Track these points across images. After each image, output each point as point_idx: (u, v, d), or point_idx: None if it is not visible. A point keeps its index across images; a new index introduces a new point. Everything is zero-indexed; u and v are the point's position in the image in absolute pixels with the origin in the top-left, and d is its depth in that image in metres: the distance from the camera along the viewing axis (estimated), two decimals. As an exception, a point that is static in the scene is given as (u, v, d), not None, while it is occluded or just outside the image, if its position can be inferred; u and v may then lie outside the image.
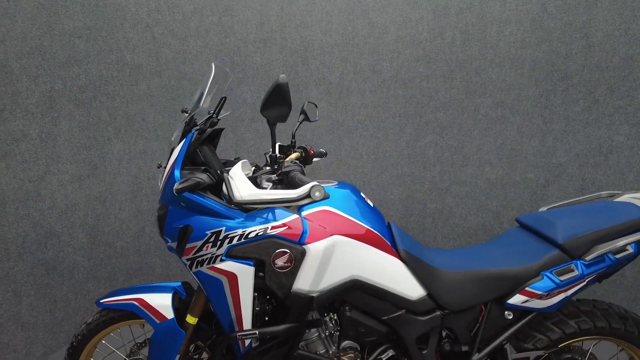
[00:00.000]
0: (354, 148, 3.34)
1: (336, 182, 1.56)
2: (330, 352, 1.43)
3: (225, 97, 1.56)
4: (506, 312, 1.40)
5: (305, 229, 1.30)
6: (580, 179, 2.66)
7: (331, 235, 1.31)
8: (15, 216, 2.33)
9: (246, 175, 1.29)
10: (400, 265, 1.39)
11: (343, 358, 1.40)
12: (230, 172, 1.18)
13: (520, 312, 1.41)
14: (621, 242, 1.31)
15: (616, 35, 2.43)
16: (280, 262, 1.27)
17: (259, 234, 1.28)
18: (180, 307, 1.51)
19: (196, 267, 1.31)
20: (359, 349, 1.43)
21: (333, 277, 1.32)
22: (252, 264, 1.28)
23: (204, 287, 1.33)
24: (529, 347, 1.42)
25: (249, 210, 1.34)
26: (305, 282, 1.29)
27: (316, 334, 1.42)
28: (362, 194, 1.53)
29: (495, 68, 2.93)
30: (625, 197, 1.56)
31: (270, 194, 1.06)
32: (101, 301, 1.55)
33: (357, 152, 3.35)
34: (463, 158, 3.13)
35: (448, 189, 3.24)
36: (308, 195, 1.05)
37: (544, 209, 1.67)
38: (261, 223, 1.29)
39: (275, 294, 1.30)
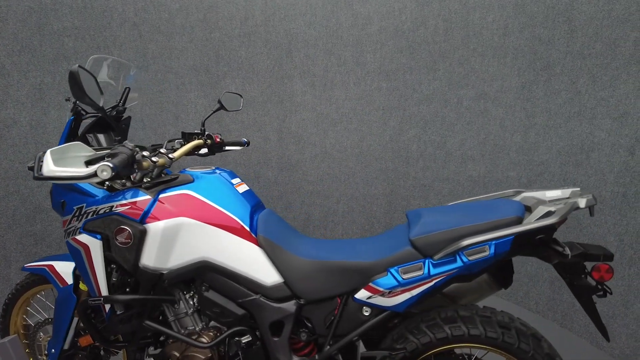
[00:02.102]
0: (339, 141, 3.32)
1: (212, 168, 1.60)
2: (197, 329, 1.48)
3: (129, 88, 1.65)
4: (364, 308, 1.35)
5: (149, 209, 1.36)
6: (561, 179, 2.44)
7: (177, 217, 1.36)
8: (5, 192, 2.62)
9: (84, 156, 1.34)
10: (256, 250, 1.40)
11: (202, 336, 1.45)
12: (47, 151, 1.24)
13: (378, 309, 1.34)
14: (465, 242, 1.20)
15: (599, 17, 2.19)
16: (121, 238, 1.35)
17: (106, 211, 1.37)
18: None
19: (66, 237, 1.45)
20: (225, 330, 1.46)
21: (181, 257, 1.37)
22: (99, 237, 1.38)
23: (72, 256, 1.45)
24: (385, 346, 1.36)
25: (113, 189, 1.43)
26: (150, 258, 1.36)
27: (184, 311, 1.48)
28: (235, 180, 1.56)
29: (478, 57, 2.77)
30: (521, 196, 1.43)
31: (64, 171, 1.11)
32: (25, 265, 1.76)
33: (342, 146, 3.33)
34: (446, 154, 2.99)
35: (431, 185, 3.11)
36: (95, 174, 1.09)
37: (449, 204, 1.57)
38: (111, 201, 1.38)
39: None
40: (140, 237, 1.35)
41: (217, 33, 3.19)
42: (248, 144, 2.00)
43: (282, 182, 3.46)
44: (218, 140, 1.86)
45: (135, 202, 1.38)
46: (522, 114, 2.62)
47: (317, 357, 1.38)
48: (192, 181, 1.47)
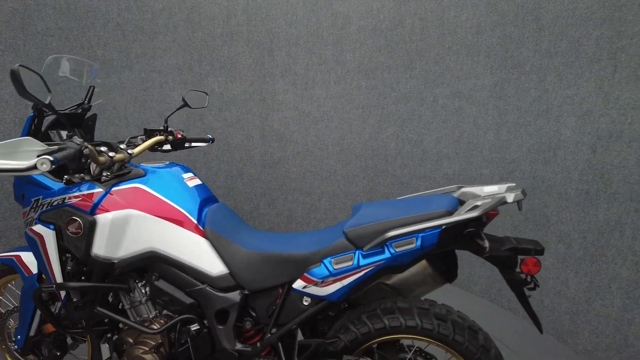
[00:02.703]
0: (320, 139, 3.37)
1: (166, 163, 1.66)
2: (150, 317, 1.54)
3: (94, 86, 1.72)
4: (304, 298, 1.40)
5: (99, 201, 1.43)
6: (531, 176, 2.46)
7: (125, 209, 1.42)
8: (-7, 191, 2.73)
9: (37, 150, 1.39)
10: (202, 242, 1.46)
11: (154, 323, 1.51)
12: None
13: (316, 299, 1.39)
14: (390, 233, 1.24)
15: (564, 16, 2.20)
16: (72, 228, 1.42)
17: (59, 203, 1.44)
18: None
19: (24, 227, 1.52)
20: (174, 317, 1.52)
21: (130, 247, 1.44)
22: (52, 227, 1.45)
23: (29, 246, 1.53)
24: (329, 336, 1.41)
25: (70, 182, 1.50)
26: (100, 248, 1.42)
27: (139, 299, 1.55)
28: (187, 175, 1.61)
29: (452, 56, 2.79)
30: (460, 191, 1.46)
31: (4, 164, 1.17)
32: None
33: (323, 143, 3.37)
34: (423, 152, 3.02)
35: (409, 183, 3.14)
36: (35, 167, 1.15)
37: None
38: (64, 194, 1.45)
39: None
40: (90, 228, 1.42)
41: (200, 33, 3.25)
42: (212, 140, 2.06)
43: (265, 179, 3.52)
44: (179, 136, 1.92)
45: (86, 195, 1.44)
46: (495, 112, 2.64)
47: (258, 344, 1.43)
48: (144, 175, 1.53)
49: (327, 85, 3.27)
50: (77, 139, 1.36)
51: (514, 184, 1.36)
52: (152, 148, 1.91)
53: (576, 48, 2.16)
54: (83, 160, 1.35)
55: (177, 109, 1.92)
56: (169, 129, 1.90)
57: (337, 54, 3.20)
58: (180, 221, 1.47)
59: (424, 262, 1.53)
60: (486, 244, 1.23)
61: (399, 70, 3.04)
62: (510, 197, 1.26)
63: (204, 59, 3.29)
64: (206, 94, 2.00)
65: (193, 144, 2.06)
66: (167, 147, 1.95)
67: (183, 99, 1.91)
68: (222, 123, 3.41)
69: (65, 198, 1.45)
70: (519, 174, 2.54)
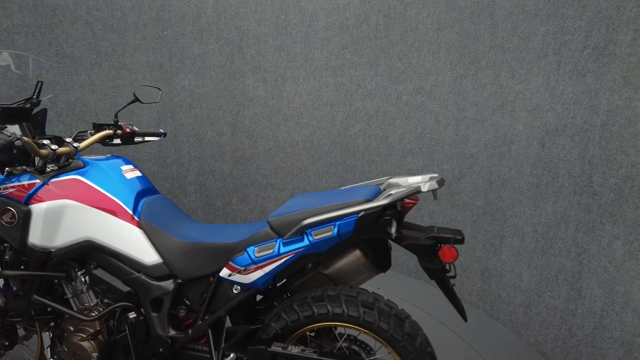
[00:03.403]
0: (291, 135, 3.40)
1: (108, 156, 1.70)
2: (91, 305, 1.58)
3: (42, 81, 1.75)
4: (234, 287, 1.43)
5: (35, 191, 1.46)
6: (488, 171, 2.49)
7: (61, 199, 1.45)
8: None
9: None
10: (137, 232, 1.50)
11: (93, 311, 1.54)
12: None
13: (243, 287, 1.42)
14: (306, 221, 1.28)
15: (515, 12, 2.23)
16: (6, 218, 1.46)
17: None
18: None
19: None
20: (117, 309, 1.55)
21: (66, 237, 1.48)
22: None
23: None
24: (266, 324, 1.44)
25: (11, 174, 1.53)
26: (36, 237, 1.46)
27: (80, 288, 1.59)
28: (126, 167, 1.65)
29: (415, 52, 2.82)
30: (387, 182, 1.49)
31: None
32: None
33: (294, 140, 3.40)
34: (388, 147, 3.06)
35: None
36: None
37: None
38: (0, 185, 1.48)
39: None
40: (24, 217, 1.45)
41: (170, 30, 3.29)
42: (164, 135, 2.09)
43: (237, 175, 3.55)
44: (128, 130, 1.95)
45: (22, 185, 1.48)
46: (454, 108, 2.67)
47: (190, 332, 1.47)
48: (83, 167, 1.57)
49: (296, 82, 3.30)
50: (8, 132, 1.39)
51: (436, 175, 1.39)
52: (104, 142, 1.94)
53: (526, 44, 2.19)
54: (15, 152, 1.38)
55: (128, 104, 1.95)
56: (119, 124, 1.93)
57: (306, 51, 3.23)
58: (115, 211, 1.51)
59: (357, 252, 1.57)
60: (392, 230, 1.26)
61: (364, 67, 3.07)
62: (425, 187, 1.30)
63: (174, 57, 3.32)
64: (159, 89, 2.03)
65: (146, 139, 2.09)
66: (117, 141, 1.99)
67: (134, 94, 1.94)
68: (192, 120, 3.44)
69: (0, 189, 1.49)
70: (477, 168, 2.58)
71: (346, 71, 3.14)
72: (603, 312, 1.80)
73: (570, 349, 2.01)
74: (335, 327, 1.64)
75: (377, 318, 1.40)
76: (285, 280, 1.72)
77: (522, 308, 2.34)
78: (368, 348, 1.61)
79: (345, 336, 1.57)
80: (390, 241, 1.65)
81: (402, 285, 3.02)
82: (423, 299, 2.81)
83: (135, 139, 2.08)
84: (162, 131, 2.07)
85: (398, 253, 3.21)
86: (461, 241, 1.32)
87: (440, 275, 1.33)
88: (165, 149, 3.48)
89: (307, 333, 1.63)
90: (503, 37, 2.33)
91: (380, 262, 1.58)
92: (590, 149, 1.87)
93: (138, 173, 1.70)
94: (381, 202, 1.24)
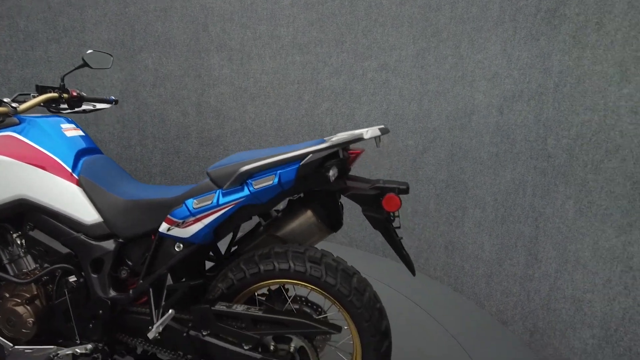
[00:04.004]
0: (258, 115, 3.35)
1: (48, 114, 1.62)
2: (29, 270, 1.51)
3: None
4: (176, 244, 1.38)
5: None
6: (450, 143, 2.49)
7: None
8: None
9: None
10: (75, 190, 1.43)
11: (30, 275, 1.47)
12: None
13: (186, 244, 1.37)
14: (244, 168, 1.24)
15: (475, -17, 2.24)
16: None
17: None
18: None
19: None
20: (57, 272, 1.48)
21: None
22: None
23: None
24: (213, 286, 1.40)
25: None
26: None
27: (17, 253, 1.51)
28: (67, 125, 1.58)
29: (379, 28, 2.81)
30: (335, 135, 1.47)
31: None
32: None
33: (261, 120, 3.35)
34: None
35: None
36: None
37: None
38: None
39: None
40: None
41: (132, 7, 3.20)
42: (116, 102, 2.02)
43: (203, 157, 3.48)
44: (75, 94, 1.87)
45: None
46: (417, 82, 2.66)
47: (131, 292, 1.41)
48: (19, 124, 1.49)
49: (262, 61, 3.25)
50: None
51: (383, 126, 1.37)
52: (50, 108, 1.86)
53: (484, 12, 2.19)
54: None
55: (76, 68, 1.86)
56: (65, 87, 1.85)
57: (272, 28, 3.19)
58: (52, 168, 1.44)
59: (309, 212, 1.53)
60: (331, 173, 1.23)
61: (330, 45, 3.04)
62: (366, 134, 1.27)
63: (137, 34, 3.24)
64: (111, 55, 1.96)
65: (97, 106, 2.02)
66: (65, 106, 1.91)
67: (83, 59, 1.87)
68: (156, 99, 3.36)
69: None
70: (439, 142, 2.58)
71: (312, 49, 3.11)
72: (557, 273, 1.80)
73: (528, 314, 2.02)
74: (283, 285, 1.61)
75: (323, 273, 1.37)
76: (237, 246, 1.68)
77: (484, 279, 2.34)
78: (319, 309, 1.58)
79: (294, 296, 1.54)
80: (341, 201, 1.63)
81: (365, 262, 3.00)
82: (389, 276, 2.80)
83: (85, 107, 2.00)
84: (114, 98, 2.00)
85: (365, 232, 3.19)
86: (405, 191, 1.30)
87: (384, 224, 1.30)
88: (128, 129, 3.38)
89: (257, 295, 1.59)
90: (463, 8, 2.33)
91: (332, 222, 1.55)
92: (544, 112, 1.88)
93: (80, 132, 1.62)
94: (321, 146, 1.21)
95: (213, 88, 3.34)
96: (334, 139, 1.25)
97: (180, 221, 1.31)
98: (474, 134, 2.33)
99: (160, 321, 1.31)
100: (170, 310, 1.32)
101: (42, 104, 1.81)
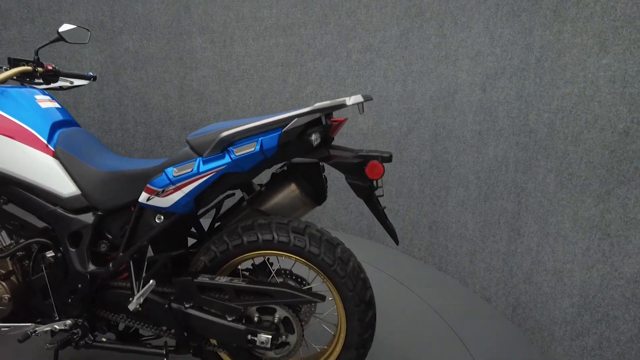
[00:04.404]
0: (241, 99, 3.31)
1: (18, 86, 1.57)
2: (3, 246, 1.47)
3: None
4: (157, 216, 1.36)
5: None
6: (433, 124, 2.50)
7: None
8: None
9: None
10: (51, 161, 1.40)
11: (5, 252, 1.43)
12: None
13: (167, 214, 1.35)
14: (224, 133, 1.22)
15: (458, -39, 2.24)
16: None
17: None
18: None
19: None
20: (34, 248, 1.45)
21: None
22: None
23: None
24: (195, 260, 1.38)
25: None
26: None
27: None
28: (41, 97, 1.53)
29: (363, 9, 2.79)
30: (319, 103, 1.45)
31: None
32: None
33: (245, 104, 3.32)
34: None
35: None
36: None
37: None
38: None
39: None
40: None
41: (111, -14, 3.11)
42: (94, 78, 1.96)
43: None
44: (50, 68, 1.81)
45: None
46: (401, 63, 2.66)
47: (110, 265, 1.38)
48: None
49: (245, 43, 3.21)
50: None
51: (368, 95, 1.36)
52: (23, 82, 1.79)
53: (468, -9, 2.20)
54: None
55: (51, 42, 1.81)
56: (40, 61, 1.79)
57: (254, 10, 3.14)
58: (26, 140, 1.39)
59: (292, 186, 1.52)
60: (313, 138, 1.22)
61: (314, 26, 3.02)
62: (349, 101, 1.26)
63: (117, 15, 3.15)
64: (88, 30, 1.90)
65: (75, 82, 1.96)
66: (40, 81, 1.85)
67: (57, 32, 1.81)
68: (138, 83, 3.29)
69: None
70: (423, 122, 2.58)
71: (296, 30, 3.08)
72: (539, 247, 1.83)
73: (510, 289, 2.05)
74: (267, 259, 1.60)
75: (307, 242, 1.36)
76: (219, 223, 1.66)
77: (468, 257, 2.37)
78: (304, 281, 1.58)
79: (277, 269, 1.52)
80: (325, 175, 1.62)
81: (350, 244, 3.01)
82: (374, 257, 2.81)
83: (62, 83, 1.95)
84: (92, 74, 1.94)
85: (350, 216, 3.19)
86: (388, 159, 1.29)
87: (367, 192, 1.30)
88: (109, 113, 3.31)
89: (240, 270, 1.57)
90: (446, -13, 2.33)
91: (316, 195, 1.54)
92: (526, 88, 1.90)
93: (56, 105, 1.58)
94: (303, 110, 1.20)
95: (195, 71, 3.29)
96: (316, 105, 1.24)
97: (160, 190, 1.28)
98: (458, 113, 2.34)
99: (141, 292, 1.29)
100: (151, 281, 1.30)
101: (15, 78, 1.75)
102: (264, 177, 3.45)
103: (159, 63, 3.27)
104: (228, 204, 3.41)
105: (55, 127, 1.47)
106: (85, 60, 3.16)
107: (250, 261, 1.57)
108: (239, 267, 1.54)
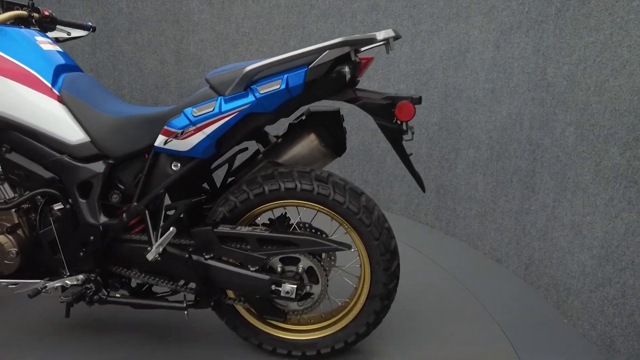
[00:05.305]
0: (241, 64, 3.20)
1: (13, 27, 1.47)
2: (7, 199, 1.39)
3: None
4: (173, 163, 1.29)
5: None
6: (443, 84, 2.45)
7: None
8: None
9: None
10: (57, 106, 1.31)
11: (9, 203, 1.35)
12: None
13: (184, 160, 1.28)
14: (248, 67, 1.14)
15: None
16: None
17: None
18: None
19: None
20: (40, 201, 1.37)
21: None
22: None
23: None
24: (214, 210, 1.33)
25: None
26: None
27: None
28: (41, 38, 1.43)
29: (369, -33, 2.69)
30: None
31: None
32: None
33: (244, 69, 3.20)
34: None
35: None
36: None
37: None
38: None
39: None
40: None
41: (101, -58, 2.94)
42: (94, 29, 1.85)
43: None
44: (47, 14, 1.70)
45: None
46: (410, 22, 2.58)
47: (124, 216, 1.31)
48: None
49: (245, 4, 3.08)
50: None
51: (398, 32, 1.30)
52: (14, 23, 1.68)
53: (482, -58, 2.12)
54: None
55: None
56: (35, 6, 1.68)
57: (255, -31, 3.01)
58: (29, 82, 1.29)
59: (312, 136, 1.46)
60: (346, 70, 1.16)
61: (318, -14, 2.91)
62: (380, 35, 1.19)
63: (108, -27, 2.99)
64: None
65: (72, 33, 1.85)
66: (36, 28, 1.73)
67: None
68: (132, 46, 3.15)
69: None
70: (432, 83, 2.53)
71: (298, -9, 2.96)
72: (555, 202, 1.81)
73: (523, 247, 2.04)
74: (286, 213, 1.54)
75: (332, 190, 1.31)
76: (233, 177, 1.59)
77: (477, 219, 2.35)
78: (324, 234, 1.53)
79: (297, 223, 1.47)
80: (345, 125, 1.56)
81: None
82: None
83: (58, 34, 1.83)
84: (91, 24, 1.83)
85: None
86: (418, 101, 1.24)
87: (396, 135, 1.24)
88: (103, 78, 3.17)
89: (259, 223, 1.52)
90: (459, -61, 2.25)
91: (335, 146, 1.48)
92: (544, 41, 1.85)
93: (58, 48, 1.47)
94: (332, 41, 1.13)
95: (192, 34, 3.16)
96: (345, 38, 1.17)
97: (179, 131, 1.21)
98: (469, 72, 2.29)
99: (160, 240, 1.23)
100: (171, 228, 1.23)
101: (8, 24, 1.64)
102: (279, 128, 3.37)
103: (154, 26, 3.13)
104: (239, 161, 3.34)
105: (59, 70, 1.38)
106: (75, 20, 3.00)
107: (267, 216, 1.52)
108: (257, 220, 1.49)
